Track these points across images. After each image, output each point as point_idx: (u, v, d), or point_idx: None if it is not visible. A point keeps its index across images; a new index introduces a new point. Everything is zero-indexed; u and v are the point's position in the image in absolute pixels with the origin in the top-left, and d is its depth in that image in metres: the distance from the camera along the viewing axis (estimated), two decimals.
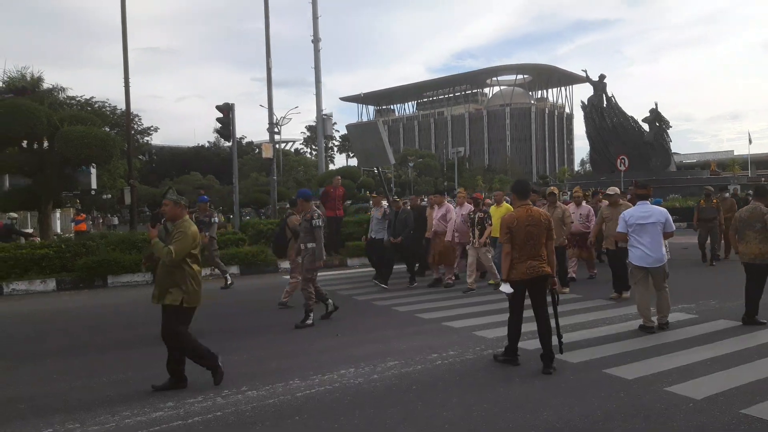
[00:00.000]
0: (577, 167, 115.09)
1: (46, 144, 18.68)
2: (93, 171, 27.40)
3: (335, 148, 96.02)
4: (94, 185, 29.94)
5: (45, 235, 18.14)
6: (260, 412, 4.60)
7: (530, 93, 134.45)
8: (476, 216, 10.15)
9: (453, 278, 11.00)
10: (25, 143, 18.54)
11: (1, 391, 5.30)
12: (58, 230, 25.23)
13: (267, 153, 22.27)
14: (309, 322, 7.67)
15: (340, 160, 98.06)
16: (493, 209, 10.47)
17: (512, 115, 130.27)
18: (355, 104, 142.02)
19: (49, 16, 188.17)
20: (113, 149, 18.96)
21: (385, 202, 11.95)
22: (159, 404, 4.79)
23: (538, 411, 4.47)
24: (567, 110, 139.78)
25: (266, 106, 21.91)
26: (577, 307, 8.48)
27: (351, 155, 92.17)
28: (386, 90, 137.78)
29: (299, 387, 5.16)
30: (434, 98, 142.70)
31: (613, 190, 9.33)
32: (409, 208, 11.33)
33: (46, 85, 31.48)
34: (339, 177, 16.52)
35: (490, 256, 10.18)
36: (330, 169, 41.49)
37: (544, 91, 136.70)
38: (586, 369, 5.52)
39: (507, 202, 10.72)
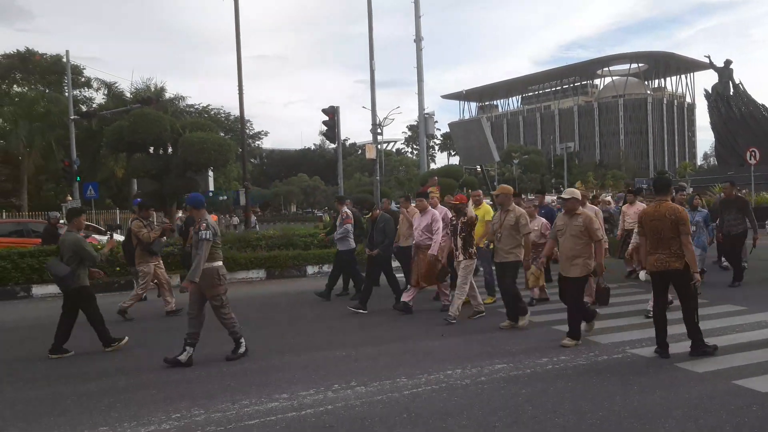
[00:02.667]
0: (699, 161, 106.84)
1: (170, 149, 20.30)
2: (210, 174, 29.40)
3: (436, 147, 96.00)
4: (211, 187, 32.09)
5: (170, 234, 19.66)
6: (369, 407, 4.69)
7: (646, 83, 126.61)
8: (458, 223, 7.92)
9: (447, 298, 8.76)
10: (151, 149, 20.28)
11: (134, 377, 5.79)
12: None
13: (370, 154, 22.74)
14: (241, 350, 6.46)
15: (441, 159, 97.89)
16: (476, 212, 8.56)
17: (626, 106, 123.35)
18: (457, 101, 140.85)
19: (168, 30, 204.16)
20: (229, 153, 20.24)
21: (345, 208, 10.26)
22: (274, 395, 5.03)
23: (658, 422, 4.21)
24: (688, 100, 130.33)
25: (369, 107, 22.36)
26: (704, 314, 7.85)
27: (453, 153, 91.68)
28: (489, 85, 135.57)
29: (406, 385, 5.21)
30: (540, 92, 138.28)
31: (570, 193, 6.78)
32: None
33: (168, 94, 34.05)
34: (435, 177, 16.42)
35: (468, 279, 7.80)
36: (431, 168, 41.52)
37: (662, 80, 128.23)
38: (713, 379, 5.12)
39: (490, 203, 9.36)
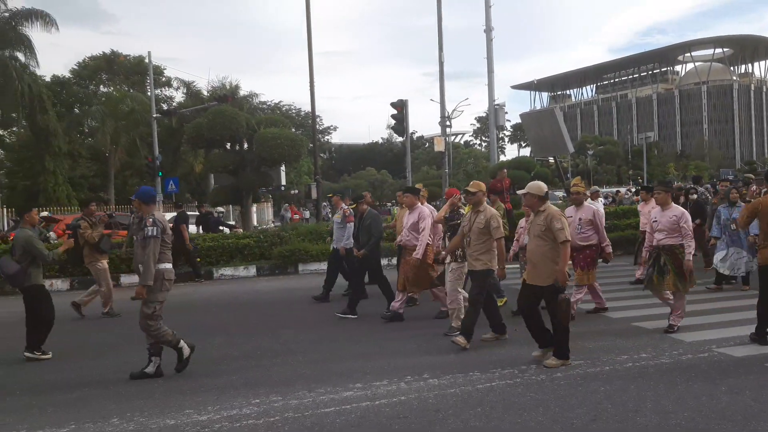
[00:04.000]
0: None
1: (245, 145, 21.01)
2: (282, 168, 30.19)
3: (506, 138, 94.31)
4: (283, 181, 32.95)
5: (246, 226, 20.41)
6: (442, 400, 4.69)
7: (731, 68, 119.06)
8: (444, 223, 7.21)
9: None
10: (228, 145, 21.07)
11: (214, 365, 6.02)
12: (255, 222, 28.06)
13: (439, 146, 22.63)
14: (149, 369, 5.56)
15: (511, 151, 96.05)
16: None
17: (710, 93, 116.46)
18: (527, 92, 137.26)
19: (241, 28, 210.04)
20: (301, 148, 20.73)
21: (344, 205, 9.52)
22: (349, 384, 5.12)
23: (749, 423, 3.99)
24: None
25: (437, 100, 22.24)
26: None
27: (523, 145, 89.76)
28: (561, 75, 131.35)
29: (480, 379, 5.17)
30: (616, 80, 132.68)
31: (528, 187, 5.70)
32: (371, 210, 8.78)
33: (242, 92, 35.10)
34: (505, 170, 16.03)
35: (460, 289, 6.90)
36: (501, 159, 40.72)
37: (749, 65, 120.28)
38: None
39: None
